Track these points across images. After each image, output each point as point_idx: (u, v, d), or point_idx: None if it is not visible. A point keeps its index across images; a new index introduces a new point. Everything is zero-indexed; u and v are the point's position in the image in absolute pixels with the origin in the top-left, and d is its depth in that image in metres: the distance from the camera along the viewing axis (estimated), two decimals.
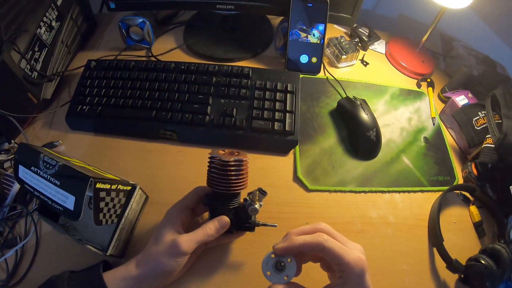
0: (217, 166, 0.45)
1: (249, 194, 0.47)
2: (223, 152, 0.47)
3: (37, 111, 0.65)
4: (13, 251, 0.51)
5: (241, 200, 0.48)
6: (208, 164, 0.47)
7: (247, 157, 0.46)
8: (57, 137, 0.63)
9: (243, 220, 0.47)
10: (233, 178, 0.45)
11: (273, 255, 0.40)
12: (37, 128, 0.65)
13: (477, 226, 0.59)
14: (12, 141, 0.62)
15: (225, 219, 0.46)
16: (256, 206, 0.46)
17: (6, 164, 0.59)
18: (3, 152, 0.61)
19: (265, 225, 0.48)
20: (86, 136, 0.64)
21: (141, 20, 0.73)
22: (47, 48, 0.65)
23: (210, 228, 0.45)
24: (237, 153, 0.47)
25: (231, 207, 0.47)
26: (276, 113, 0.61)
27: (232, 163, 0.45)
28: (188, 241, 0.43)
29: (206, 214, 0.53)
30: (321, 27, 0.71)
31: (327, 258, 0.38)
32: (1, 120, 0.58)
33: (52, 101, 0.69)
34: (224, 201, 0.47)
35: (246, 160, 0.46)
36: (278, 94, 0.63)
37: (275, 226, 0.49)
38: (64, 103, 0.67)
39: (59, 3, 0.68)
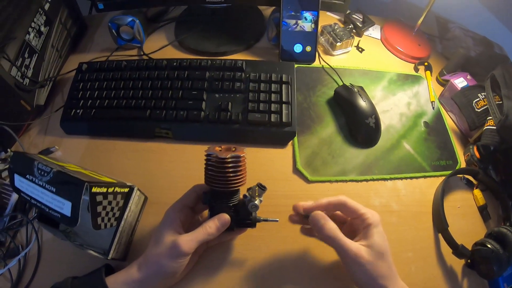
0: (214, 164, 0.44)
1: (248, 190, 0.47)
2: (220, 149, 0.46)
3: (32, 118, 0.65)
4: (15, 261, 0.50)
5: (241, 196, 0.47)
6: (205, 162, 0.46)
7: (244, 153, 0.45)
8: (53, 143, 0.63)
9: (243, 217, 0.46)
10: (231, 175, 0.44)
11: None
12: (32, 135, 0.65)
13: (482, 210, 0.58)
14: (9, 149, 0.61)
15: (225, 217, 0.45)
16: (256, 202, 0.45)
17: (4, 174, 0.59)
18: (0, 162, 0.60)
19: (266, 220, 0.48)
20: (82, 140, 0.63)
21: (130, 19, 0.72)
22: (37, 54, 0.65)
23: (211, 226, 0.44)
24: (234, 149, 0.46)
25: (231, 204, 0.46)
26: (272, 105, 0.60)
27: (229, 160, 0.43)
28: (189, 241, 0.42)
29: (206, 212, 0.52)
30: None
31: (348, 213, 0.46)
32: None
33: (46, 107, 0.68)
34: (223, 198, 0.46)
35: (243, 156, 0.45)
36: (273, 85, 0.62)
37: (277, 221, 0.48)
38: (58, 108, 0.66)
39: (46, 7, 0.67)
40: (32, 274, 0.50)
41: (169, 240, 0.42)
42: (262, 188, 0.46)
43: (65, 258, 0.51)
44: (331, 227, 0.44)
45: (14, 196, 0.56)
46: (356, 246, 0.42)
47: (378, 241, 0.43)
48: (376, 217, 0.44)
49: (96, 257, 0.45)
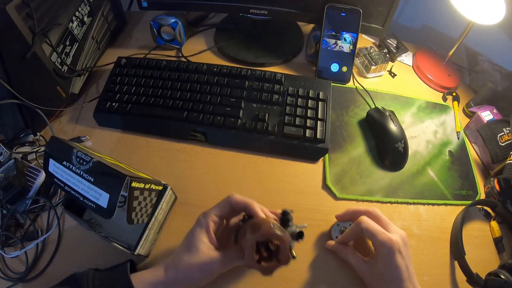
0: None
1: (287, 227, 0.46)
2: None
3: (65, 105, 0.65)
4: (33, 244, 0.51)
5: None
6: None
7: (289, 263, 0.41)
8: (84, 132, 0.64)
9: None
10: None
11: (337, 225, 0.53)
12: (63, 122, 0.66)
13: (497, 242, 0.59)
14: (38, 133, 0.62)
15: None
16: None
17: (30, 157, 0.60)
18: (27, 144, 0.61)
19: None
20: (113, 133, 0.64)
21: (173, 20, 0.73)
22: (78, 43, 0.66)
23: (248, 259, 0.43)
24: (276, 243, 0.40)
25: None
26: (308, 120, 0.61)
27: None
28: (226, 263, 0.43)
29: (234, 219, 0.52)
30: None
31: (365, 236, 0.48)
32: (28, 112, 0.58)
33: (80, 96, 0.69)
34: None
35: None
36: (310, 101, 0.63)
37: (305, 226, 0.51)
38: (92, 99, 0.67)
39: None
40: (49, 260, 0.50)
41: (206, 255, 0.42)
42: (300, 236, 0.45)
43: (84, 248, 0.51)
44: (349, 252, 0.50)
45: (39, 180, 0.56)
46: (362, 269, 0.48)
47: (381, 270, 0.45)
48: (386, 247, 0.45)
49: (118, 250, 0.45)
